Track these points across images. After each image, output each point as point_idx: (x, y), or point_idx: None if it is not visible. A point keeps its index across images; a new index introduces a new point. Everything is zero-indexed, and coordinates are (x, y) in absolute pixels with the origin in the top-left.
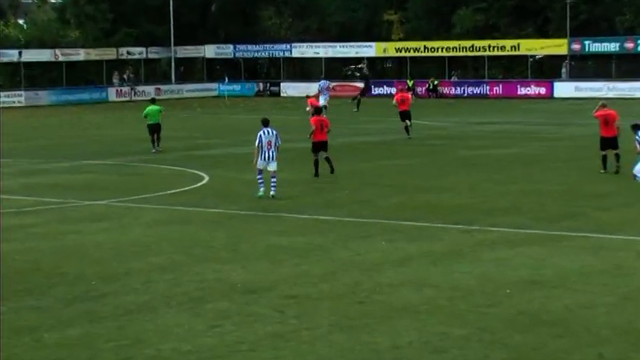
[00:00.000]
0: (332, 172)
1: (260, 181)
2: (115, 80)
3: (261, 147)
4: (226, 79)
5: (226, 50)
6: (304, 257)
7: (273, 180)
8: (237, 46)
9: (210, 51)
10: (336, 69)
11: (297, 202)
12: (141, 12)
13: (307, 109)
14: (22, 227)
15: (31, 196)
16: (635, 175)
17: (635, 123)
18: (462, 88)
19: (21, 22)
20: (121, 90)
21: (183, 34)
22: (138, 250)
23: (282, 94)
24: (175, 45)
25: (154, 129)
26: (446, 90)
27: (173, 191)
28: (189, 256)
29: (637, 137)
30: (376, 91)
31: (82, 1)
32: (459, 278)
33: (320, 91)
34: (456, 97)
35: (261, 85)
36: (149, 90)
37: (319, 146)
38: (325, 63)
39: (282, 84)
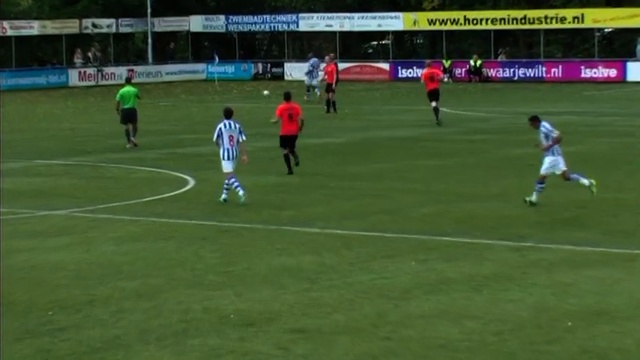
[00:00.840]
0: (297, 163)
1: (235, 184)
2: (78, 60)
3: (222, 143)
4: (217, 59)
5: (217, 22)
6: (314, 281)
7: (226, 183)
8: (231, 17)
9: (196, 23)
10: (353, 46)
11: (305, 212)
12: None
13: (319, 78)
14: None
15: None
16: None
17: (535, 115)
18: (512, 70)
19: None
20: (84, 72)
21: (163, 2)
22: (106, 273)
23: (286, 78)
24: (153, 16)
25: (130, 115)
26: (492, 72)
27: (150, 198)
28: (171, 279)
29: (543, 130)
30: (404, 74)
31: None
32: (509, 308)
33: (310, 71)
34: (504, 80)
35: (260, 66)
36: (120, 72)
37: (286, 140)
38: (340, 38)
39: (286, 65)
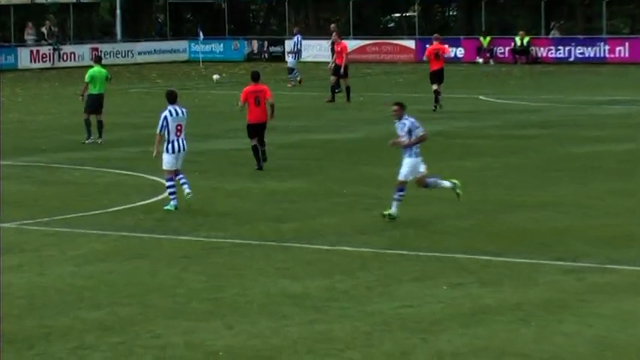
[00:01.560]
0: (258, 167)
1: (172, 189)
2: (29, 37)
3: (168, 134)
4: (201, 35)
5: None
6: (323, 311)
7: (182, 178)
8: None
9: None
10: (370, 18)
11: (313, 224)
12: None
13: (331, 62)
14: None
15: None
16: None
17: (401, 102)
18: (568, 49)
19: None
20: (37, 52)
21: None
22: (65, 300)
23: (287, 58)
24: None
25: (97, 103)
26: (542, 52)
27: (119, 208)
28: (145, 307)
29: (406, 123)
30: None
31: None
32: (563, 343)
33: (298, 51)
34: (557, 62)
35: (255, 43)
36: (82, 51)
37: (255, 129)
38: (354, 9)
39: (287, 42)
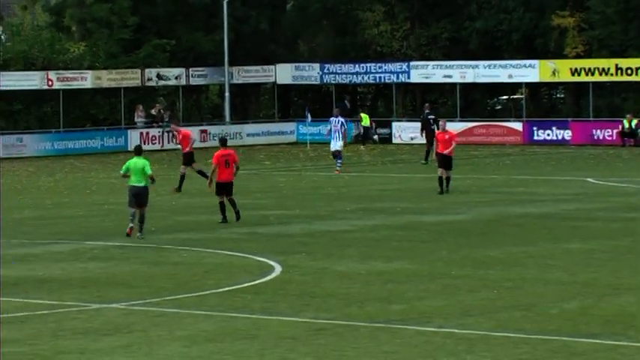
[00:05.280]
0: (237, 218)
1: None
2: (140, 119)
3: None
4: (309, 117)
5: (309, 72)
6: None
7: None
8: (326, 66)
9: (284, 74)
10: (477, 101)
11: (418, 306)
12: (179, 14)
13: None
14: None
15: (13, 296)
16: None
17: None
18: None
19: None
20: (147, 134)
21: (244, 48)
22: None
23: (394, 140)
24: (231, 65)
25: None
26: None
27: (227, 289)
28: None
29: None
30: (540, 135)
31: None
32: None
33: (334, 130)
34: None
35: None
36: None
37: (222, 187)
38: (461, 91)
39: (394, 124)
